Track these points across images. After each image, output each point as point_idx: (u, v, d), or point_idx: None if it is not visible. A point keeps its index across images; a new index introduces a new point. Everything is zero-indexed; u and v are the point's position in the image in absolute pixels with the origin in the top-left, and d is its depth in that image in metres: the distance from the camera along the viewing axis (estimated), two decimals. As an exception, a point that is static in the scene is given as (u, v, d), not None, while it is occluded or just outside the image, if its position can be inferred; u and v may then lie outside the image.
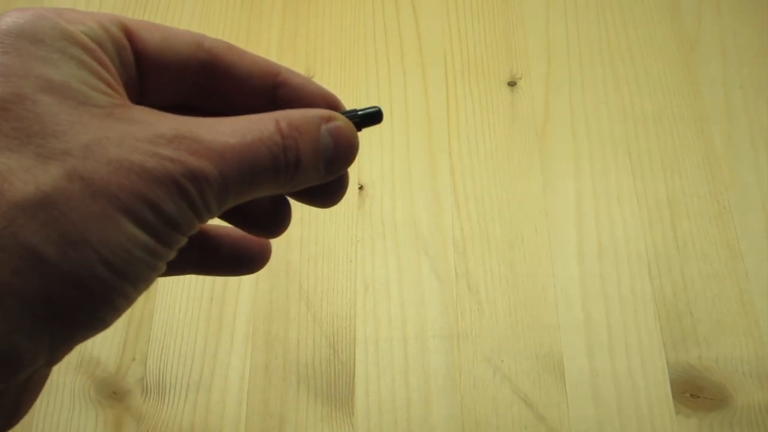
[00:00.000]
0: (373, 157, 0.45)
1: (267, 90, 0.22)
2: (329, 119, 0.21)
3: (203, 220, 0.19)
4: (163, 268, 0.19)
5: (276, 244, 0.42)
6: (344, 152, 0.21)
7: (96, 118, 0.19)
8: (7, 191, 0.17)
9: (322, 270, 0.41)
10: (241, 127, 0.19)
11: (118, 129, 0.18)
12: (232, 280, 0.41)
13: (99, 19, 0.20)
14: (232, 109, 0.22)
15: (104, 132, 0.18)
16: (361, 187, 0.44)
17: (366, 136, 0.46)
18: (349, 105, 0.47)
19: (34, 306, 0.16)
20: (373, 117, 0.22)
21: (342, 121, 0.21)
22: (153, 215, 0.18)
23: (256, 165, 0.19)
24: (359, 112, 0.22)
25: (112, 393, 0.38)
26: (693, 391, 0.37)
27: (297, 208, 0.44)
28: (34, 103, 0.18)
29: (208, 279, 0.41)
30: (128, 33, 0.21)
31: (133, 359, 0.38)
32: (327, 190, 0.23)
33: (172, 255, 0.19)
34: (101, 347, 0.39)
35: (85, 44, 0.20)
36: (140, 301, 0.40)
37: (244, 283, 0.41)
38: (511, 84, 0.48)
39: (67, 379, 0.38)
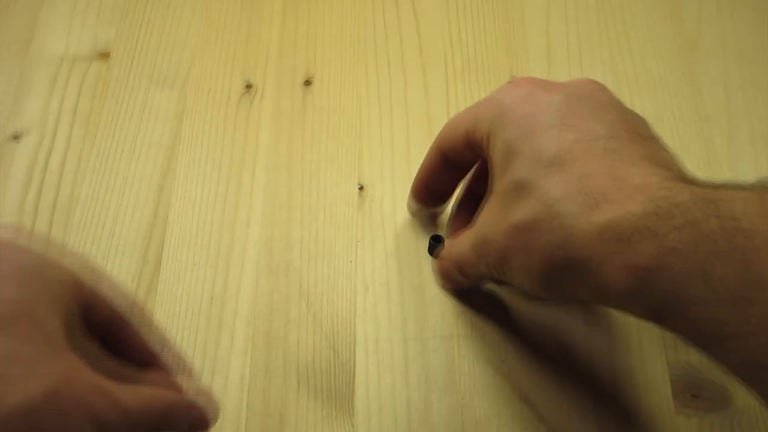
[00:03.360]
0: (373, 157, 0.45)
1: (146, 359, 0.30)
2: (192, 406, 0.30)
3: None
4: None
5: (276, 244, 0.42)
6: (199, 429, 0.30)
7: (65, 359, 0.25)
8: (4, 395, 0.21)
9: (322, 270, 0.41)
10: (149, 400, 0.27)
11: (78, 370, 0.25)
12: (232, 280, 0.41)
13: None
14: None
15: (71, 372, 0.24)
16: (361, 187, 0.44)
17: (366, 136, 0.46)
18: (349, 106, 0.48)
19: None
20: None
21: (200, 409, 0.30)
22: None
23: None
24: None
25: (112, 393, 0.37)
26: (693, 391, 0.37)
27: (297, 208, 0.44)
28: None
29: (208, 279, 0.41)
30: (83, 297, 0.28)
31: (133, 359, 0.38)
32: None
33: None
34: (101, 347, 0.39)
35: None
36: (140, 301, 0.40)
37: (244, 283, 0.41)
38: (512, 84, 0.48)
39: (67, 379, 0.38)
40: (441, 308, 0.40)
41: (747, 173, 0.44)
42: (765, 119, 0.46)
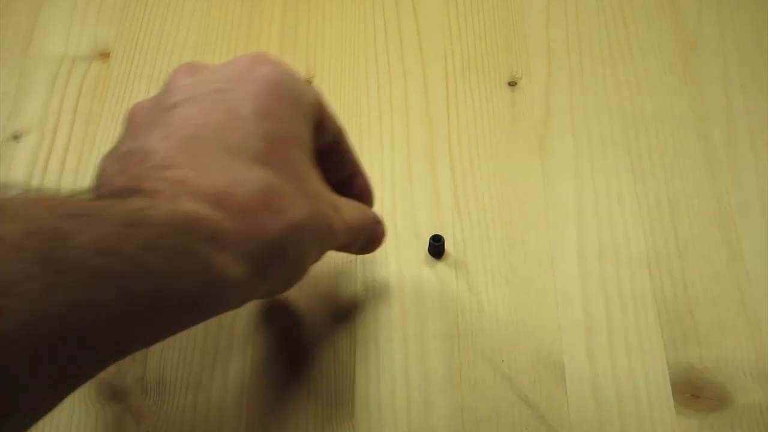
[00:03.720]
0: (373, 157, 0.45)
1: (345, 174, 0.36)
2: (378, 222, 0.37)
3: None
4: None
5: (276, 244, 0.42)
6: (376, 245, 0.37)
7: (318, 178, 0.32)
8: (284, 211, 0.28)
9: (322, 270, 0.41)
10: (361, 214, 0.35)
11: (323, 190, 0.32)
12: (232, 280, 0.41)
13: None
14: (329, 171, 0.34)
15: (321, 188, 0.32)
16: (361, 187, 0.44)
17: (366, 136, 0.46)
18: (349, 106, 0.48)
19: None
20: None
21: (382, 226, 0.37)
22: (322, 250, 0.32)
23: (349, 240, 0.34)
24: None
25: (111, 393, 0.38)
26: (693, 391, 0.37)
27: (297, 208, 0.44)
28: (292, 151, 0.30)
29: (208, 279, 0.41)
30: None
31: (133, 358, 0.38)
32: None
33: None
34: (101, 347, 0.39)
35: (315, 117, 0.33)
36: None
37: (244, 283, 0.41)
38: (511, 84, 0.48)
39: (66, 379, 0.38)
40: (441, 308, 0.40)
41: (747, 173, 0.44)
42: (765, 119, 0.46)
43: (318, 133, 0.33)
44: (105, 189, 0.25)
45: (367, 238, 0.37)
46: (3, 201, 0.20)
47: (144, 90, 0.48)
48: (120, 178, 0.27)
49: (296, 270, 0.30)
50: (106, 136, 0.46)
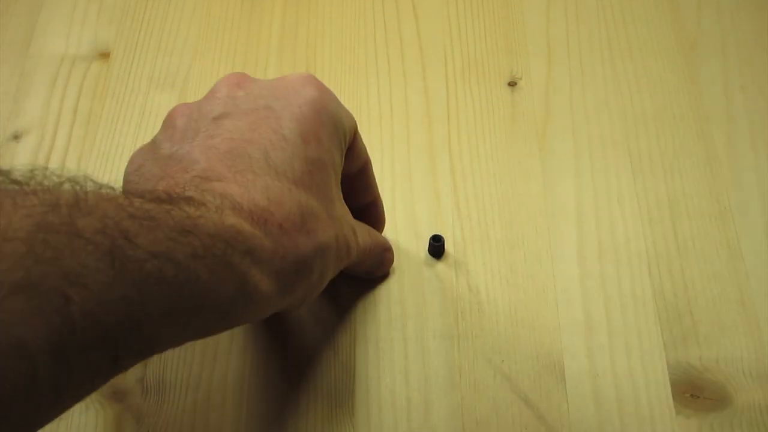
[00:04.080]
0: (373, 157, 0.45)
1: (366, 202, 0.39)
2: (389, 249, 0.40)
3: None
4: None
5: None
6: (384, 270, 0.40)
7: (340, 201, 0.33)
8: (314, 233, 0.29)
9: (322, 270, 0.41)
10: (372, 239, 0.37)
11: (345, 213, 0.34)
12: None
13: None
14: (350, 196, 0.36)
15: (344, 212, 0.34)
16: (361, 187, 0.44)
17: (366, 136, 0.46)
18: (349, 106, 0.48)
19: None
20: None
21: (392, 253, 0.40)
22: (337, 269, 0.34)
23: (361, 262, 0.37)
24: None
25: (112, 393, 0.38)
26: (693, 391, 0.37)
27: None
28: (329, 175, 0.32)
29: (208, 279, 0.41)
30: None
31: (133, 359, 0.38)
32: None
33: None
34: (101, 347, 0.39)
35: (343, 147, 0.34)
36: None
37: (244, 283, 0.41)
38: (511, 84, 0.48)
39: (67, 379, 0.38)
40: (441, 308, 0.40)
41: (746, 173, 0.44)
42: (765, 119, 0.46)
43: (348, 159, 0.34)
44: (149, 192, 0.26)
45: (375, 261, 0.39)
46: (79, 194, 0.21)
47: (144, 90, 0.48)
48: (163, 183, 0.28)
49: (317, 287, 0.32)
50: (106, 136, 0.46)
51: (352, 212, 0.35)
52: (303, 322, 0.40)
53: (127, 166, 0.31)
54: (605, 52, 0.49)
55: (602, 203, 0.43)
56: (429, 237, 0.41)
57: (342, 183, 0.34)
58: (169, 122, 0.32)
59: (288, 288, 0.28)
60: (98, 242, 0.21)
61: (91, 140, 0.46)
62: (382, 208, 0.40)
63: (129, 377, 0.38)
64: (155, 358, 0.38)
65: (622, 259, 0.41)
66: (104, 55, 0.50)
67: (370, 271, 0.39)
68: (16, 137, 0.46)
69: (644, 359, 0.38)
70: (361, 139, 0.36)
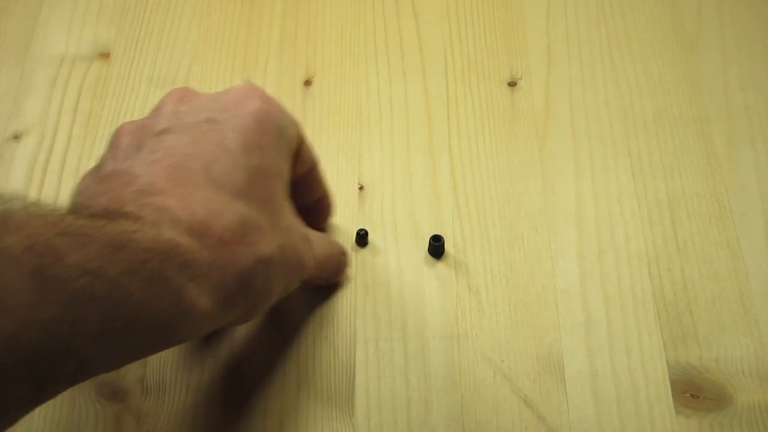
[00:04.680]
0: (373, 157, 0.45)
1: (314, 198, 0.39)
2: (344, 254, 0.40)
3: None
4: None
5: (276, 244, 0.42)
6: (340, 275, 0.40)
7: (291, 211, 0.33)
8: (256, 244, 0.28)
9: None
10: (330, 247, 0.38)
11: (295, 223, 0.33)
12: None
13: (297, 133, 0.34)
14: (299, 195, 0.36)
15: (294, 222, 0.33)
16: (361, 187, 0.44)
17: (366, 136, 0.46)
18: (349, 106, 0.48)
19: None
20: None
21: (347, 257, 0.40)
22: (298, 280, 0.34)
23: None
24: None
25: (111, 393, 0.38)
26: (693, 391, 0.37)
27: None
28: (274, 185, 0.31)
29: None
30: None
31: (133, 359, 0.38)
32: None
33: None
34: (101, 347, 0.39)
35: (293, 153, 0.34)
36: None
37: (244, 283, 0.41)
38: (511, 84, 0.48)
39: (67, 379, 0.38)
40: (441, 308, 0.40)
41: (746, 173, 0.44)
42: (765, 119, 0.46)
43: (295, 164, 0.34)
44: (86, 208, 0.25)
45: (333, 268, 0.39)
46: (7, 212, 0.21)
47: (144, 90, 0.48)
48: (102, 199, 0.27)
49: (260, 303, 0.30)
50: (106, 136, 0.46)
51: (302, 209, 0.35)
52: (303, 322, 0.40)
53: (75, 188, 0.31)
54: (605, 52, 0.49)
55: (602, 203, 0.43)
56: (429, 237, 0.41)
57: (290, 184, 0.34)
58: (114, 142, 0.32)
59: (228, 302, 0.27)
60: (25, 260, 0.20)
61: (91, 140, 0.46)
62: (331, 201, 0.40)
63: (129, 377, 0.38)
64: (155, 358, 0.38)
65: (622, 259, 0.41)
66: (104, 55, 0.50)
67: (328, 278, 0.39)
68: (16, 137, 0.46)
69: (644, 359, 0.38)
70: (307, 145, 0.35)
